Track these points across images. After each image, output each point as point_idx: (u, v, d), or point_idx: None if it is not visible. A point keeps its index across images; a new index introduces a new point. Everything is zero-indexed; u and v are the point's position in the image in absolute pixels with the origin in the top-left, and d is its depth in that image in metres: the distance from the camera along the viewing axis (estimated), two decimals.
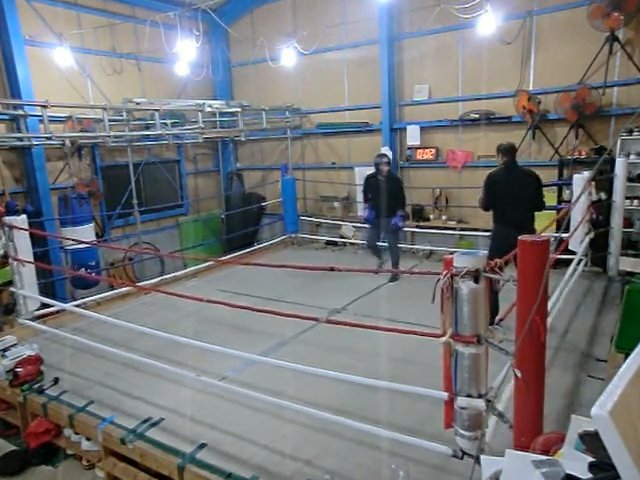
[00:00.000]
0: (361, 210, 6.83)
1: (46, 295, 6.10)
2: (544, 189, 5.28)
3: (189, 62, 8.59)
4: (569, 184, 6.70)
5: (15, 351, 4.54)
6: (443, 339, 2.62)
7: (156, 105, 8.29)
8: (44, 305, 5.65)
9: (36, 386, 4.31)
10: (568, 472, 1.55)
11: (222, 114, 10.29)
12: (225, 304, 3.91)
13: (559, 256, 5.02)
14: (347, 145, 9.95)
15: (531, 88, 7.80)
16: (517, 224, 5.09)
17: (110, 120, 7.62)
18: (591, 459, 1.57)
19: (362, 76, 9.48)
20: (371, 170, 7.03)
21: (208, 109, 9.32)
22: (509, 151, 5.15)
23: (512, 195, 5.01)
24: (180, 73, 8.81)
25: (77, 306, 5.63)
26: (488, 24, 7.22)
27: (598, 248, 6.45)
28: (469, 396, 2.60)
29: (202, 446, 3.34)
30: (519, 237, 2.58)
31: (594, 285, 6.26)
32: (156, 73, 9.77)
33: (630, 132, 6.80)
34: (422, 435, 3.18)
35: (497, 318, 3.78)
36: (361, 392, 3.78)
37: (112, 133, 7.69)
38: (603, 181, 6.35)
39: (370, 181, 6.98)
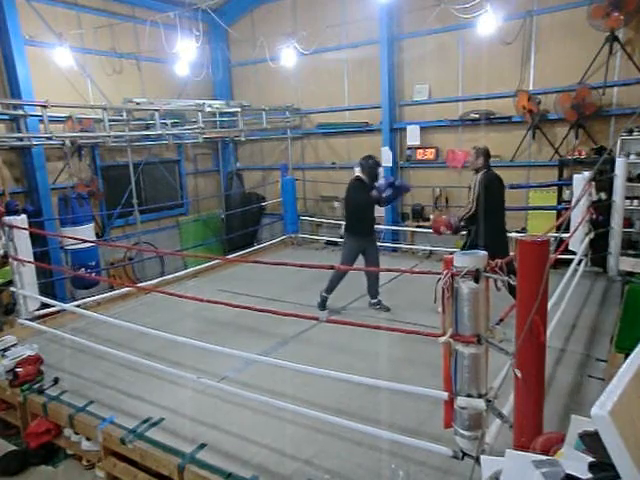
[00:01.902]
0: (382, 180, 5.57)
1: (46, 295, 6.09)
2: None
3: (189, 62, 8.59)
4: (569, 184, 6.71)
5: (15, 351, 4.54)
6: (443, 339, 2.63)
7: (156, 105, 8.29)
8: (44, 305, 5.64)
9: (36, 386, 4.31)
10: (568, 472, 1.55)
11: (222, 114, 10.29)
12: (225, 304, 3.91)
13: (559, 256, 5.03)
14: (347, 145, 9.95)
15: (531, 88, 7.79)
16: (502, 225, 5.22)
17: (110, 120, 7.62)
18: (591, 459, 1.57)
19: (362, 76, 9.47)
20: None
21: (208, 109, 9.32)
22: (489, 154, 5.28)
23: (500, 197, 5.15)
24: (180, 73, 8.81)
25: (77, 306, 5.62)
26: (488, 24, 7.23)
27: (598, 248, 6.45)
28: (469, 396, 2.61)
29: (202, 446, 3.34)
30: (520, 238, 2.60)
31: (594, 285, 6.26)
32: (156, 73, 9.76)
33: (630, 132, 6.80)
34: (422, 435, 3.18)
35: (497, 318, 3.79)
36: (361, 392, 3.78)
37: (112, 133, 7.68)
38: (603, 181, 6.35)
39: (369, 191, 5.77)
